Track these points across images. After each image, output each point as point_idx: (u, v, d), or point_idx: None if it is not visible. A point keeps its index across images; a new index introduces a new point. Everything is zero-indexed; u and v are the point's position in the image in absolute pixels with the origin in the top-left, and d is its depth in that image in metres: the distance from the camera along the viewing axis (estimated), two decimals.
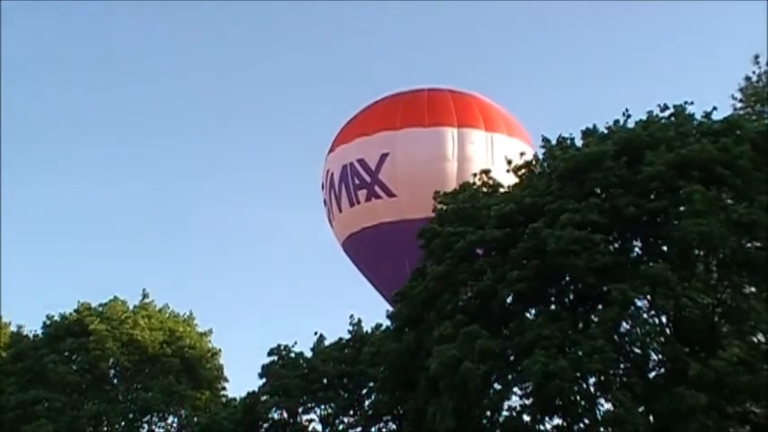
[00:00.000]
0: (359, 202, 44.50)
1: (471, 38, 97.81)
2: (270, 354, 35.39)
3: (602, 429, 22.33)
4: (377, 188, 43.81)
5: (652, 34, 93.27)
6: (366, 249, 44.33)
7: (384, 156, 43.70)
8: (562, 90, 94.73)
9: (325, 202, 47.25)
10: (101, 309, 44.22)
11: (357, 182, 44.58)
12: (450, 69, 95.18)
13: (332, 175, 46.09)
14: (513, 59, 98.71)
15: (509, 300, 25.23)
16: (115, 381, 43.63)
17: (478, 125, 44.16)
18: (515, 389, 24.62)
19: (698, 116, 27.39)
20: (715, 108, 27.51)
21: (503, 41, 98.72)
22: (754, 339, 23.69)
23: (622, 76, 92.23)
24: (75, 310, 44.15)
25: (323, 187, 47.33)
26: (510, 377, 24.56)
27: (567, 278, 24.96)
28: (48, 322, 43.81)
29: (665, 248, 25.03)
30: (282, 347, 35.62)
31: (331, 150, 47.18)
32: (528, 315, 25.18)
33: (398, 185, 42.25)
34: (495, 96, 47.75)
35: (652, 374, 24.13)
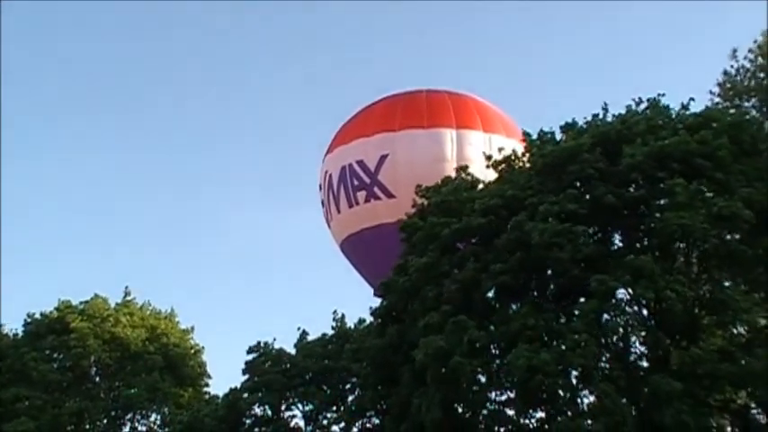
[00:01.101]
0: (358, 204, 44.48)
1: (463, 37, 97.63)
2: (250, 351, 35.39)
3: (588, 421, 22.32)
4: (376, 189, 43.79)
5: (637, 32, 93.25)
6: (365, 250, 44.33)
7: (383, 157, 43.72)
8: (551, 88, 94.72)
9: (322, 203, 47.27)
10: (82, 307, 44.09)
11: (356, 183, 44.55)
12: (441, 69, 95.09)
13: (330, 176, 46.07)
14: (504, 58, 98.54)
15: (492, 292, 25.29)
16: (97, 378, 43.55)
17: (477, 126, 44.30)
18: (500, 381, 24.69)
19: (676, 109, 27.66)
20: (692, 99, 27.86)
21: (494, 40, 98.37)
22: (735, 331, 23.88)
23: (619, 73, 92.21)
24: (57, 309, 44.07)
25: (320, 188, 47.35)
26: (494, 369, 24.63)
27: (550, 270, 25.04)
28: (29, 321, 43.73)
29: (645, 240, 25.17)
30: (263, 344, 35.60)
31: (329, 152, 47.16)
32: (511, 306, 25.21)
33: (398, 187, 42.20)
34: (486, 95, 47.84)
35: (634, 365, 24.26)
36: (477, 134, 43.87)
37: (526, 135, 29.63)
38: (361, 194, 44.18)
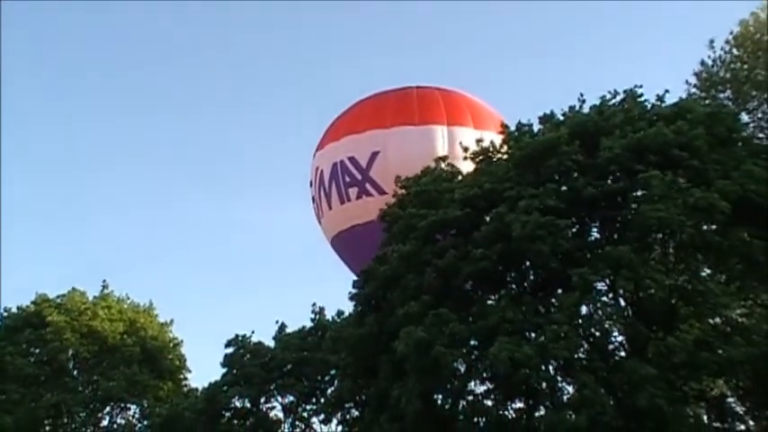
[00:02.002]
0: (350, 200, 44.46)
1: (450, 33, 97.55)
2: (228, 345, 35.39)
3: (570, 413, 22.45)
4: (368, 186, 43.82)
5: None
6: (356, 246, 44.25)
7: (375, 154, 43.75)
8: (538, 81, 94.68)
9: (313, 199, 47.29)
10: (59, 300, 43.89)
11: (348, 179, 44.57)
12: (428, 66, 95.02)
13: (321, 172, 46.07)
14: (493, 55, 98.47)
15: (470, 283, 25.34)
16: (75, 372, 43.36)
17: (468, 123, 44.36)
18: (480, 372, 24.76)
19: (652, 100, 27.84)
20: (667, 91, 28.07)
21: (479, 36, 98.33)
22: (711, 321, 24.05)
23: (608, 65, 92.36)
24: (33, 302, 43.87)
25: (311, 184, 47.38)
26: (474, 360, 24.70)
27: (529, 262, 25.13)
28: (5, 314, 43.54)
29: (623, 231, 25.31)
30: (241, 337, 35.59)
31: (319, 148, 47.17)
32: (490, 298, 25.28)
33: (389, 183, 41.88)
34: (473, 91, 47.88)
35: (613, 356, 24.40)
36: (468, 131, 43.77)
37: (504, 127, 29.69)
38: (353, 191, 44.23)
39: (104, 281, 45.87)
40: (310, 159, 47.91)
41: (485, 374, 24.65)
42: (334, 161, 45.25)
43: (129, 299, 45.69)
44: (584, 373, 22.65)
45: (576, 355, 23.42)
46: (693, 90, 34.89)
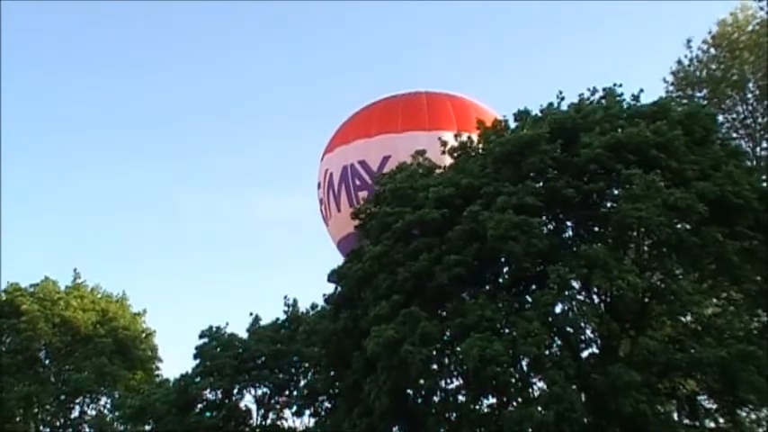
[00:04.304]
0: (359, 203, 44.44)
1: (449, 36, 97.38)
2: (201, 336, 35.21)
3: (538, 409, 22.51)
4: None
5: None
6: None
7: (386, 158, 43.43)
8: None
9: (321, 201, 47.31)
10: (32, 289, 43.61)
11: (358, 183, 44.56)
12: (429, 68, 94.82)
13: (331, 175, 46.10)
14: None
15: (446, 281, 25.33)
16: (47, 362, 43.14)
17: (475, 129, 44.46)
18: (451, 369, 24.80)
19: (628, 99, 27.93)
20: (642, 90, 28.15)
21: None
22: (683, 319, 24.21)
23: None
24: (5, 291, 43.59)
25: (319, 186, 47.39)
26: (447, 359, 24.72)
27: (504, 260, 25.15)
28: None
29: (599, 230, 25.40)
30: (215, 329, 35.47)
31: (328, 150, 47.15)
32: (464, 296, 25.27)
33: None
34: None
35: (585, 353, 24.51)
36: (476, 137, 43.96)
37: (480, 123, 29.70)
38: (363, 194, 43.86)
39: (75, 269, 45.70)
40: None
41: (456, 371, 24.69)
42: (344, 164, 45.36)
43: (101, 289, 45.50)
44: (555, 369, 22.72)
45: (547, 352, 23.49)
46: (671, 88, 35.15)
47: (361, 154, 45.00)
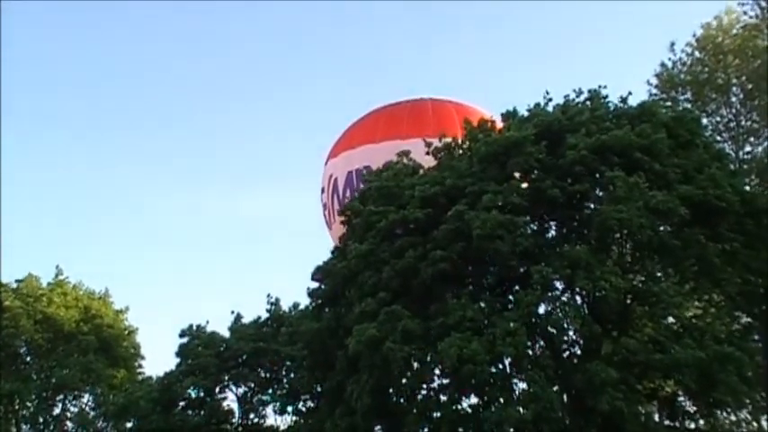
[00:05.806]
0: None
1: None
2: (182, 335, 35.22)
3: (519, 408, 22.60)
4: None
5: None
6: None
7: None
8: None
9: (324, 205, 47.13)
10: (15, 286, 43.42)
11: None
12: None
13: (336, 180, 45.94)
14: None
15: (430, 279, 25.36)
16: (29, 359, 42.95)
17: None
18: (434, 369, 24.83)
19: (614, 101, 28.09)
20: (630, 93, 28.33)
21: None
22: (665, 321, 24.32)
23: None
24: None
25: (323, 191, 47.26)
26: (429, 358, 24.76)
27: (488, 260, 25.21)
28: None
29: (582, 231, 25.49)
30: (196, 327, 35.47)
31: (333, 155, 47.11)
32: (449, 295, 25.31)
33: None
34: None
35: (566, 353, 24.60)
36: None
37: (466, 123, 29.76)
38: None
39: (58, 266, 45.49)
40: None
41: (438, 370, 24.75)
42: (350, 170, 45.15)
43: (84, 286, 45.35)
44: (535, 369, 22.80)
45: (530, 352, 23.58)
46: (654, 91, 35.34)
47: (366, 159, 44.55)
